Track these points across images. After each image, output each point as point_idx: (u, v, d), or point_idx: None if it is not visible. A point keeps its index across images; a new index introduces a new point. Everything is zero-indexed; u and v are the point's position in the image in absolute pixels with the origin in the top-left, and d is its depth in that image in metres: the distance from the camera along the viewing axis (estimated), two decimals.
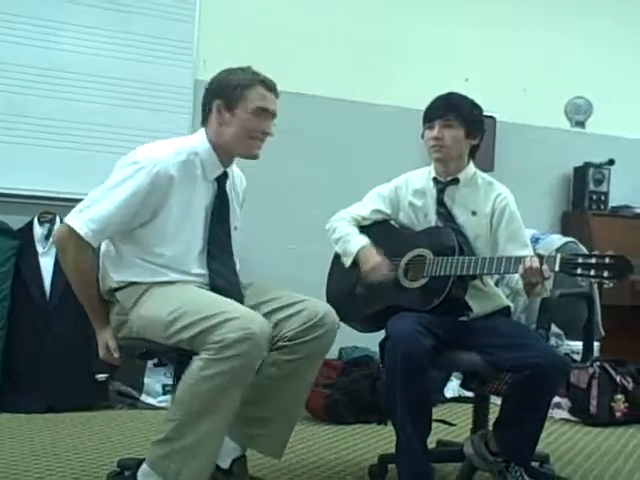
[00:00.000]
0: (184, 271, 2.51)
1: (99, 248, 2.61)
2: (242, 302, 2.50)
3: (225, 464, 2.51)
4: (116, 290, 2.54)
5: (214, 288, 2.52)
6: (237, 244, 2.69)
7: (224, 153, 2.57)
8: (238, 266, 2.69)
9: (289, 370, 2.49)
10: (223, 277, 2.55)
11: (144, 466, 2.33)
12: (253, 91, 2.50)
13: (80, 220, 2.44)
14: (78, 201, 2.51)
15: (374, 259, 2.84)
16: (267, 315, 2.47)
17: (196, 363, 2.26)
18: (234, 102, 2.50)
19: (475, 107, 2.88)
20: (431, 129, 2.82)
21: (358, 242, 2.91)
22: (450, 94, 2.87)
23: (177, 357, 2.55)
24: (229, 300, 2.41)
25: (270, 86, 2.55)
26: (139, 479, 2.34)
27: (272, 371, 2.50)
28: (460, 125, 2.80)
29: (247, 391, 2.39)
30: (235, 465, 2.54)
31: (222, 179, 2.60)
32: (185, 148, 2.53)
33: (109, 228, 2.46)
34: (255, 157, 2.58)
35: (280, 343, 2.49)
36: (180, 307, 2.35)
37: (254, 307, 2.47)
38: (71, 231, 2.44)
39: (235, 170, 2.74)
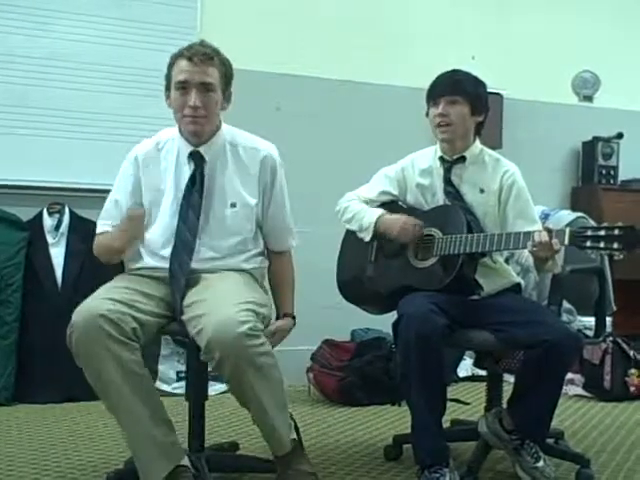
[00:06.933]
0: (156, 253, 2.57)
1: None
2: (183, 283, 2.47)
3: None
4: None
5: (169, 270, 2.52)
6: (238, 221, 2.60)
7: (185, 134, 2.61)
8: (239, 246, 2.60)
9: (232, 384, 2.36)
10: (177, 256, 2.52)
11: None
12: (175, 67, 2.53)
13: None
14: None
15: (399, 220, 2.81)
16: (191, 320, 2.38)
17: None
18: (169, 84, 2.56)
19: (479, 83, 2.86)
20: (436, 107, 2.80)
21: (374, 213, 2.90)
22: (453, 71, 2.85)
23: (189, 344, 2.54)
24: (102, 290, 2.44)
25: (191, 57, 2.47)
26: None
27: None
28: (465, 102, 2.78)
29: None
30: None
31: (196, 158, 2.59)
32: (167, 135, 2.64)
33: (112, 221, 2.62)
34: (194, 134, 2.55)
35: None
36: None
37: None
38: None
39: (253, 142, 2.68)
